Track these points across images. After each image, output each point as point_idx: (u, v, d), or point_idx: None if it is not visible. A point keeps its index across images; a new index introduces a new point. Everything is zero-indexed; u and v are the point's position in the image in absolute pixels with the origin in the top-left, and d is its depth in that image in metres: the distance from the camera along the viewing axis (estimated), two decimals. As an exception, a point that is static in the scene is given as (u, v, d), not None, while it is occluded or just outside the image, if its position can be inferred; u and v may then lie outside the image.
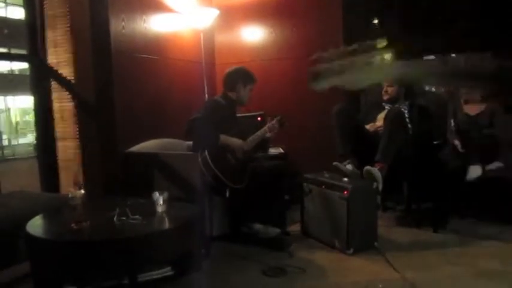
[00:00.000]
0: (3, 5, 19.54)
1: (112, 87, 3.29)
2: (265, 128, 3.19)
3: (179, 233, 2.07)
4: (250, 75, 3.23)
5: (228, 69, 3.27)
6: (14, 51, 16.46)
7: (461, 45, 4.01)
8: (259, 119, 3.82)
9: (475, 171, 3.23)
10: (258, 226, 3.14)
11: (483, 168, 3.26)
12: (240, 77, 3.21)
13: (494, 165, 3.30)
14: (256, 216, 3.26)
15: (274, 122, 3.21)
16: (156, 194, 2.18)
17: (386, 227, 3.34)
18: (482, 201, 3.32)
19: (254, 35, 4.43)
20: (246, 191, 2.98)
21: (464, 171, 3.25)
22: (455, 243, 3.02)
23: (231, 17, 4.46)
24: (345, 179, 3.02)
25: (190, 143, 3.17)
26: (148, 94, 3.61)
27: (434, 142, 3.52)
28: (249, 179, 3.01)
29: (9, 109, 21.19)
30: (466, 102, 3.50)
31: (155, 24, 3.74)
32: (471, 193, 3.30)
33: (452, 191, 3.29)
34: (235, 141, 3.05)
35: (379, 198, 3.30)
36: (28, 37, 3.51)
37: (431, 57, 4.02)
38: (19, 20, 16.83)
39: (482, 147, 3.32)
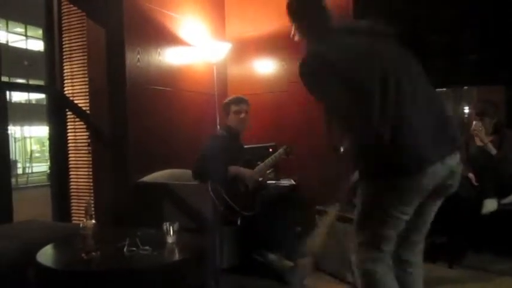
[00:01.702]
0: (23, 37, 20.21)
1: (126, 118, 3.35)
2: (272, 157, 3.21)
3: (189, 265, 2.05)
4: (228, 102, 3.30)
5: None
6: (32, 81, 16.91)
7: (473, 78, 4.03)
8: (270, 150, 3.83)
9: (490, 205, 3.17)
10: (272, 256, 3.10)
11: (499, 202, 3.19)
12: (223, 108, 3.31)
13: (510, 199, 3.24)
14: (268, 246, 3.22)
15: (280, 150, 3.24)
16: (167, 225, 2.17)
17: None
18: (499, 235, 3.25)
19: (266, 67, 4.50)
20: (256, 219, 2.97)
21: (480, 205, 3.18)
22: (471, 279, 2.94)
23: (243, 50, 4.54)
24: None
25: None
26: (161, 125, 3.65)
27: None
28: (259, 207, 3.00)
29: (24, 138, 21.56)
30: (477, 134, 3.47)
31: (169, 57, 3.82)
32: (487, 227, 3.23)
33: (468, 225, 3.22)
34: (246, 172, 3.08)
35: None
36: (46, 69, 3.62)
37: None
38: (38, 52, 17.36)
39: (497, 180, 3.27)
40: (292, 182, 3.95)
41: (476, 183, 3.35)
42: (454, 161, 1.73)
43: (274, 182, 3.51)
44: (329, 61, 1.71)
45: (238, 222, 2.93)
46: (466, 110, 5.15)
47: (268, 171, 3.23)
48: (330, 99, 1.76)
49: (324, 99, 1.83)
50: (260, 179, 3.20)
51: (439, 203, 1.86)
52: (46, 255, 2.10)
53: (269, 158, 3.23)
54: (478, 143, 3.47)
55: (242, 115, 3.26)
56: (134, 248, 2.07)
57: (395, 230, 1.73)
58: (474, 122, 3.45)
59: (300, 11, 1.98)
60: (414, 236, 1.85)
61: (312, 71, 1.79)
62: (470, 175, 3.37)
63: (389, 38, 1.80)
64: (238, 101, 3.28)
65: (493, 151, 3.32)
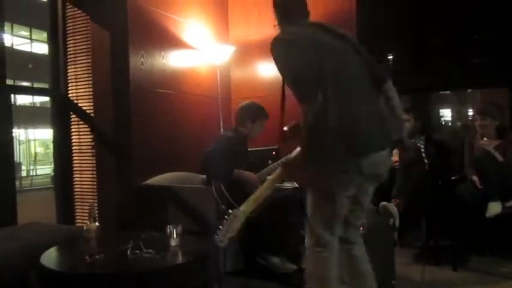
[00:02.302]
0: (28, 40, 20.32)
1: (130, 121, 3.36)
2: (279, 161, 3.20)
3: (192, 268, 2.05)
4: (260, 112, 3.25)
5: (240, 105, 3.32)
6: (36, 84, 16.99)
7: (477, 80, 4.01)
8: (273, 153, 3.83)
9: (495, 208, 3.15)
10: (275, 260, 3.09)
11: (503, 205, 3.18)
12: (249, 113, 3.26)
13: (515, 202, 3.22)
14: (271, 249, 3.21)
15: (287, 156, 3.22)
16: (170, 228, 2.17)
17: (404, 265, 3.25)
18: (503, 238, 3.23)
19: (269, 70, 4.50)
20: (259, 222, 2.96)
21: (484, 208, 3.17)
22: (475, 282, 2.92)
23: (247, 53, 4.55)
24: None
25: (205, 176, 3.19)
26: (164, 128, 3.66)
27: (452, 177, 3.47)
28: (262, 210, 3.00)
29: (29, 141, 21.67)
30: (483, 136, 3.45)
31: (173, 60, 3.83)
32: (491, 230, 3.22)
33: (472, 228, 3.21)
34: (249, 175, 3.08)
35: (396, 234, 3.23)
36: (51, 72, 3.63)
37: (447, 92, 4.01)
38: (43, 55, 17.45)
39: (501, 183, 3.25)
40: (295, 184, 3.94)
41: (480, 186, 3.33)
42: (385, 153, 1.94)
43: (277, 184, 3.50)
44: (296, 42, 2.01)
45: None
46: (470, 112, 5.14)
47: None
48: (291, 75, 2.00)
49: (286, 73, 2.05)
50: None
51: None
52: (50, 257, 2.11)
53: (275, 163, 3.23)
54: (482, 144, 3.45)
55: (258, 126, 3.29)
56: (137, 251, 2.07)
57: (343, 211, 1.93)
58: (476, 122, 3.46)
59: (283, 3, 2.35)
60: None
61: (282, 47, 2.08)
62: (475, 178, 3.36)
63: (349, 41, 2.09)
64: (265, 116, 3.27)
65: (500, 158, 3.30)
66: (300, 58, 1.94)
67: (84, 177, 3.57)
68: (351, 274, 2.07)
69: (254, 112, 3.26)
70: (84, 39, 3.52)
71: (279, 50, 2.07)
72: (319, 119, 1.83)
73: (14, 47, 18.84)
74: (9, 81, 3.28)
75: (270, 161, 3.33)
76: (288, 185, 3.85)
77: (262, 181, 3.14)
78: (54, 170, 3.91)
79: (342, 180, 1.87)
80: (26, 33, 20.26)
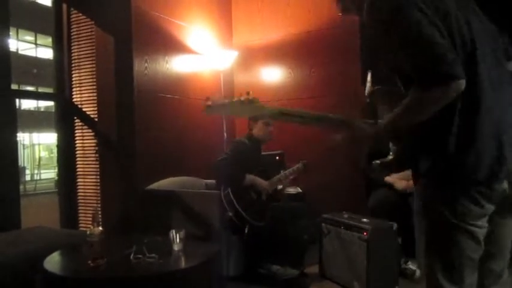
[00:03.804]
0: (33, 45, 20.44)
1: (133, 126, 3.37)
2: (290, 170, 3.22)
3: (195, 273, 2.05)
4: None
5: None
6: (41, 89, 17.09)
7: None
8: (277, 158, 3.84)
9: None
10: (275, 267, 3.09)
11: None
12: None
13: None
14: (273, 256, 3.21)
15: (299, 165, 3.24)
16: (173, 232, 2.17)
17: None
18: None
19: (273, 75, 4.51)
20: (264, 230, 2.97)
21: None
22: None
23: (250, 57, 4.56)
24: (365, 220, 2.97)
25: (209, 181, 3.21)
26: (168, 133, 3.67)
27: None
28: (269, 218, 3.01)
29: (33, 145, 21.74)
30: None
31: (177, 65, 3.85)
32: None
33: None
34: (262, 182, 3.10)
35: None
36: (55, 76, 3.65)
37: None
38: (47, 60, 17.55)
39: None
40: (299, 190, 3.94)
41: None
42: None
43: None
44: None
45: (246, 230, 2.94)
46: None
47: (282, 184, 3.26)
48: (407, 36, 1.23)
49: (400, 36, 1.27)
50: (280, 186, 3.22)
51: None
52: (53, 262, 2.11)
53: (286, 171, 3.25)
54: None
55: (270, 128, 3.28)
56: (141, 256, 2.07)
57: (476, 252, 1.34)
58: None
59: None
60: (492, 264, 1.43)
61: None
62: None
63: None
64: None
65: None
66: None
67: (87, 181, 3.58)
68: None
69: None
70: (89, 44, 3.54)
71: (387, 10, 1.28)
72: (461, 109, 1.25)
73: (19, 51, 18.94)
74: (13, 86, 3.30)
75: (281, 171, 3.34)
76: (291, 190, 3.86)
77: (273, 189, 3.17)
78: (58, 174, 3.92)
79: (472, 208, 1.29)
80: (31, 38, 20.37)
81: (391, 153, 1.57)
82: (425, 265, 1.39)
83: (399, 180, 3.36)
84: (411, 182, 3.37)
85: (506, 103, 1.31)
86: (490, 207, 1.31)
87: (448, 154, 1.27)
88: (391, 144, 1.81)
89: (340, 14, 1.60)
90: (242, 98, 1.34)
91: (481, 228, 1.32)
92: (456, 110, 1.25)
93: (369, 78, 1.64)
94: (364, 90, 1.69)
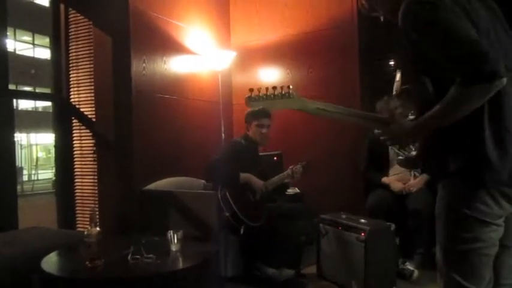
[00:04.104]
0: (31, 46, 20.41)
1: (131, 126, 3.36)
2: (288, 171, 3.19)
3: (193, 273, 2.04)
4: (256, 110, 3.17)
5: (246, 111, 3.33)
6: (38, 89, 17.06)
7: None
8: (275, 158, 3.84)
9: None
10: (271, 271, 3.07)
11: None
12: (249, 115, 3.26)
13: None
14: (270, 257, 3.20)
15: (298, 166, 3.21)
16: (171, 233, 2.17)
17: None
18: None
19: (271, 75, 4.51)
20: (261, 231, 2.96)
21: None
22: None
23: (248, 58, 4.57)
24: (362, 221, 2.97)
25: (207, 181, 3.20)
26: (166, 133, 3.67)
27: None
28: (265, 219, 3.00)
29: (31, 145, 21.70)
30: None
31: (175, 66, 3.85)
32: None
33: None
34: (257, 182, 3.09)
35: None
36: (53, 77, 3.65)
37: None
38: (45, 60, 17.52)
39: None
40: (297, 190, 3.95)
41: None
42: None
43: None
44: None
45: (241, 231, 2.93)
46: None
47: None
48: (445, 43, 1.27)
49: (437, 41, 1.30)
50: (289, 181, 3.21)
51: None
52: (50, 262, 2.11)
53: (284, 173, 3.22)
54: None
55: (264, 130, 3.22)
56: (138, 256, 2.07)
57: (494, 250, 1.39)
58: None
59: None
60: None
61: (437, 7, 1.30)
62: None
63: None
64: (261, 114, 3.19)
65: None
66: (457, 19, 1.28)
67: (85, 181, 3.57)
68: None
69: (247, 115, 3.27)
70: (86, 45, 3.54)
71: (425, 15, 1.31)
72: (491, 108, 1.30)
73: (17, 52, 18.91)
74: (11, 86, 3.29)
75: (290, 167, 3.32)
76: (289, 190, 3.85)
77: (268, 190, 3.16)
78: (56, 175, 3.92)
79: (492, 207, 1.34)
80: (28, 38, 20.34)
81: (414, 150, 1.60)
82: (443, 266, 1.42)
83: (396, 181, 3.38)
84: (408, 183, 3.35)
85: None
86: (509, 208, 1.36)
87: (480, 154, 1.31)
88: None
89: (361, 9, 1.63)
90: (283, 91, 1.46)
91: (499, 226, 1.37)
92: (485, 110, 1.30)
93: (397, 77, 1.68)
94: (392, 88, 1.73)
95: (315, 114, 1.60)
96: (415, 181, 3.35)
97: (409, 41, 1.38)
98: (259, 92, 1.55)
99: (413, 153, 1.62)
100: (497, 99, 1.28)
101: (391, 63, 4.37)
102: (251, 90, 1.54)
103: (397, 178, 3.41)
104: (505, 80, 1.22)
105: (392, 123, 1.49)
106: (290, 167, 3.23)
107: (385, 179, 3.42)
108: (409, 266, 3.09)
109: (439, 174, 1.45)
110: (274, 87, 1.52)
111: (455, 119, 1.31)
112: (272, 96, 1.52)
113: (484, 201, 1.34)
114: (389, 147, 3.32)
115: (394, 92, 1.70)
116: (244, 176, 3.06)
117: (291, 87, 1.48)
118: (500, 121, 1.31)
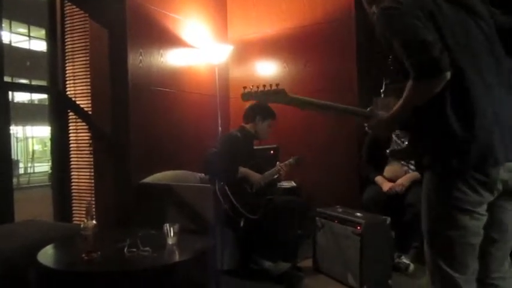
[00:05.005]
0: (26, 38, 20.27)
1: (127, 119, 3.35)
2: (282, 164, 3.22)
3: (189, 266, 2.05)
4: (270, 111, 3.29)
5: (250, 103, 3.33)
6: (34, 82, 16.97)
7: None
8: (272, 152, 3.84)
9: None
10: (267, 263, 3.09)
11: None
12: (260, 111, 3.27)
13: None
14: (267, 251, 3.22)
15: (291, 160, 3.26)
16: (167, 226, 2.17)
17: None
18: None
19: (268, 69, 4.50)
20: (259, 224, 2.97)
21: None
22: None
23: (245, 52, 4.55)
24: (358, 214, 2.98)
25: (203, 175, 3.20)
26: (163, 126, 3.66)
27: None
28: (263, 211, 3.01)
29: (27, 138, 21.62)
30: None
31: (171, 59, 3.83)
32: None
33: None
34: (254, 175, 3.11)
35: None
36: (49, 69, 3.63)
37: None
38: (41, 52, 17.41)
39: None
40: (293, 183, 3.96)
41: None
42: None
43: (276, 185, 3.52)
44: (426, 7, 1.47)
45: (241, 224, 2.95)
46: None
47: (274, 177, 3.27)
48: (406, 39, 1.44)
49: (400, 38, 1.46)
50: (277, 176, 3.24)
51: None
52: (47, 255, 2.11)
53: (277, 166, 3.26)
54: None
55: (271, 129, 3.34)
56: (134, 249, 2.07)
57: (476, 238, 1.45)
58: None
59: None
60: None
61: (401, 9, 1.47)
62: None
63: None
64: (274, 116, 3.32)
65: None
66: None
67: (81, 175, 3.57)
68: None
69: (264, 110, 3.28)
70: (83, 37, 3.52)
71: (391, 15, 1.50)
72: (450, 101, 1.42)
73: (12, 44, 18.78)
74: (7, 79, 3.27)
75: (278, 163, 3.34)
76: (285, 184, 3.87)
77: (265, 183, 3.17)
78: (52, 168, 3.90)
79: (469, 194, 1.41)
80: (24, 30, 20.20)
81: (405, 142, 1.71)
82: (429, 255, 1.52)
83: (386, 181, 3.37)
84: (397, 182, 3.34)
85: (498, 97, 1.45)
86: (488, 196, 1.43)
87: (447, 142, 1.43)
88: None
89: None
90: (273, 88, 1.70)
91: (480, 215, 1.44)
92: (447, 100, 1.43)
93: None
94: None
95: (303, 108, 1.83)
96: (401, 180, 3.32)
97: (385, 42, 1.54)
98: (252, 88, 1.78)
99: (404, 146, 1.78)
100: (461, 87, 1.42)
101: (390, 56, 4.36)
102: (245, 87, 1.80)
103: (391, 174, 3.41)
104: (448, 74, 1.37)
105: (371, 116, 1.68)
106: (278, 163, 3.28)
107: (377, 179, 3.42)
108: (405, 260, 3.11)
109: (418, 169, 1.64)
110: (264, 85, 1.74)
111: (412, 108, 1.48)
112: (263, 92, 1.74)
113: (459, 189, 1.42)
114: (392, 144, 3.33)
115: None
116: (241, 170, 3.08)
117: (279, 84, 1.71)
118: (465, 107, 1.41)
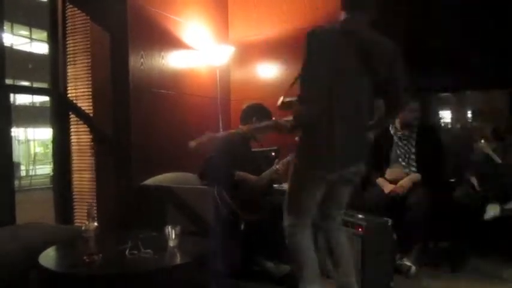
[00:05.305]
0: (28, 40, 20.31)
1: (129, 121, 3.36)
2: (278, 165, 3.20)
3: (190, 268, 2.05)
4: (266, 112, 3.24)
5: (245, 105, 3.32)
6: (36, 84, 16.99)
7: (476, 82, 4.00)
8: (273, 154, 3.83)
9: (493, 210, 3.15)
10: (269, 264, 3.09)
11: (502, 207, 3.18)
12: (255, 112, 3.25)
13: (513, 204, 3.21)
14: (268, 252, 3.21)
15: (288, 157, 3.23)
16: (168, 228, 2.17)
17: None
18: (502, 240, 3.23)
19: (269, 71, 4.50)
20: (259, 226, 2.97)
21: (482, 210, 3.17)
22: (474, 284, 2.92)
23: (246, 53, 4.55)
24: (360, 216, 2.97)
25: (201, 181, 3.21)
26: (164, 128, 3.66)
27: (450, 180, 3.46)
28: (263, 212, 3.01)
29: (28, 140, 21.65)
30: (481, 138, 3.45)
31: (173, 61, 3.83)
32: (490, 232, 3.21)
33: (471, 230, 3.21)
34: (251, 178, 3.10)
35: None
36: (50, 71, 3.63)
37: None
38: (43, 55, 17.45)
39: (500, 185, 3.25)
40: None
41: (478, 189, 3.34)
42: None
43: (276, 185, 3.51)
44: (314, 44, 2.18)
45: (242, 227, 2.94)
46: (469, 114, 5.14)
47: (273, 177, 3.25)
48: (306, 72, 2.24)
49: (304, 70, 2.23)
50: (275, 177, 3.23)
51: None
52: (48, 257, 2.11)
53: (275, 166, 3.23)
54: (485, 149, 3.44)
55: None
56: (136, 251, 2.07)
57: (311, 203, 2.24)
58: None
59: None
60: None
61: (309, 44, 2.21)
62: (473, 179, 3.36)
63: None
64: (270, 117, 3.22)
65: (498, 160, 3.29)
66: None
67: (83, 177, 3.57)
68: (329, 250, 2.44)
69: (260, 111, 3.26)
70: (84, 39, 3.52)
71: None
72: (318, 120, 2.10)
73: (14, 46, 18.82)
74: (8, 81, 3.28)
75: (276, 160, 3.32)
76: (285, 184, 3.85)
77: (262, 184, 3.16)
78: (53, 170, 3.91)
79: (317, 176, 2.15)
80: (25, 32, 20.24)
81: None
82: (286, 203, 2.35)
83: (388, 184, 3.36)
84: (398, 183, 3.33)
85: (344, 126, 2.07)
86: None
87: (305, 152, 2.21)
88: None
89: None
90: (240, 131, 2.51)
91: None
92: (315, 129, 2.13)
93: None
94: None
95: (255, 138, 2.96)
96: (402, 182, 3.31)
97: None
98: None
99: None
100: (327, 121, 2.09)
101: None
102: None
103: (392, 176, 3.40)
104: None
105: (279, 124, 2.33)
106: (276, 161, 3.25)
107: (379, 180, 3.41)
108: (407, 262, 3.10)
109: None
110: None
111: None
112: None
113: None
114: (394, 146, 3.33)
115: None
116: (239, 175, 3.06)
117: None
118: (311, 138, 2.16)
